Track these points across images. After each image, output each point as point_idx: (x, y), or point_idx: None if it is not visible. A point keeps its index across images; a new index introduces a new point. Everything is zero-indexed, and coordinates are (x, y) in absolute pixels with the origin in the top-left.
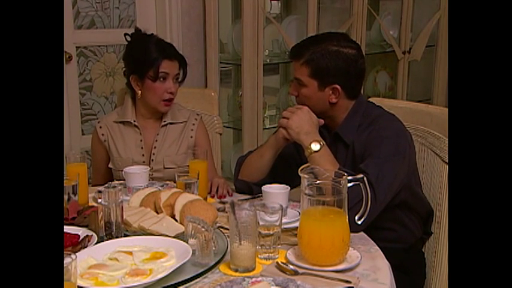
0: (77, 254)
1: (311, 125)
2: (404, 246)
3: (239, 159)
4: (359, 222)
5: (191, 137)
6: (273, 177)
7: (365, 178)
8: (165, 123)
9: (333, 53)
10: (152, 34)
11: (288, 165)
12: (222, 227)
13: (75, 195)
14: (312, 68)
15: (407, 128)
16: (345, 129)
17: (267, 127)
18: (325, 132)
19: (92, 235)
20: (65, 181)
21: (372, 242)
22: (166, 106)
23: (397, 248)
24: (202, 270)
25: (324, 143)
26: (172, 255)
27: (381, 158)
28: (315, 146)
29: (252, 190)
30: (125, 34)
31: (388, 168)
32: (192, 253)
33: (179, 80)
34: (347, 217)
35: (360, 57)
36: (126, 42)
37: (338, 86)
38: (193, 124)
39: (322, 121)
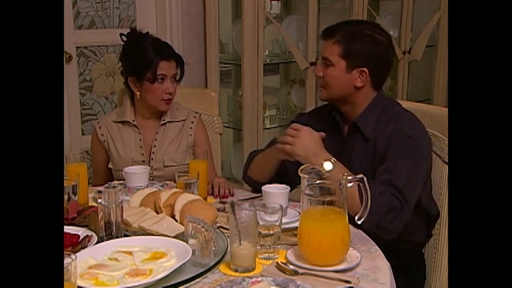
0: (77, 254)
1: (316, 144)
2: (405, 247)
3: (251, 154)
4: (359, 222)
5: (190, 135)
6: (280, 178)
7: (365, 178)
8: (164, 121)
9: (367, 36)
10: (148, 33)
11: (294, 166)
12: (222, 227)
13: (75, 195)
14: (343, 48)
15: None
16: (364, 120)
17: (267, 127)
18: (341, 122)
19: (92, 235)
20: (65, 181)
21: (372, 242)
22: (166, 105)
23: (397, 248)
24: (202, 270)
25: (335, 159)
26: (172, 255)
27: (406, 163)
28: (328, 165)
29: (258, 189)
30: (121, 34)
31: (415, 173)
32: (192, 253)
33: (177, 79)
34: (347, 217)
35: (391, 47)
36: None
37: (366, 70)
38: (192, 122)
39: (323, 134)
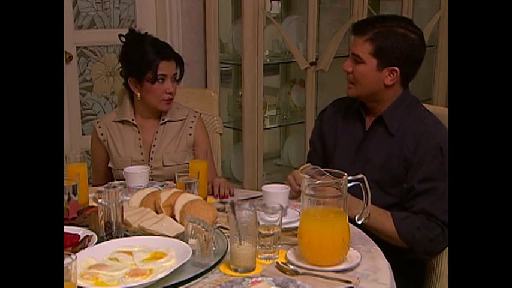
0: (77, 254)
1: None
2: (405, 247)
3: None
4: (359, 222)
5: (190, 134)
6: None
7: (365, 178)
8: (164, 121)
9: (400, 35)
10: (146, 33)
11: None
12: (222, 227)
13: (75, 195)
14: (375, 46)
15: None
16: (390, 115)
17: (267, 127)
18: (365, 115)
19: (92, 235)
20: (65, 181)
21: (372, 242)
22: (167, 104)
23: (397, 248)
24: (202, 270)
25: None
26: (172, 255)
27: (442, 185)
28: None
29: None
30: (119, 35)
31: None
32: (192, 253)
33: (177, 79)
34: (347, 217)
35: (423, 45)
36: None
37: (397, 69)
38: (192, 122)
39: None
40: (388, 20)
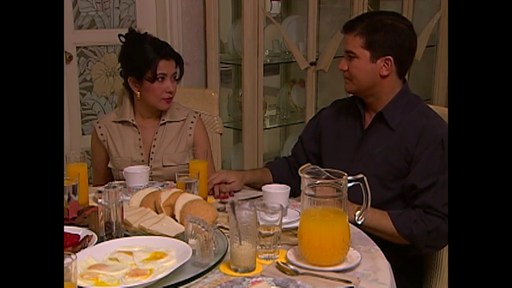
0: (77, 254)
1: None
2: (405, 246)
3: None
4: (359, 223)
5: (190, 134)
6: None
7: (365, 178)
8: (164, 121)
9: (388, 25)
10: (146, 33)
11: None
12: (222, 227)
13: (75, 195)
14: (365, 39)
15: None
16: (389, 111)
17: (267, 127)
18: (363, 112)
19: (92, 235)
20: (65, 181)
21: (372, 242)
22: (167, 103)
23: (397, 247)
24: (202, 270)
25: (359, 206)
26: (172, 255)
27: (442, 178)
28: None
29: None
30: (119, 35)
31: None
32: (192, 253)
33: (177, 78)
34: (347, 217)
35: (413, 34)
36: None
37: (391, 58)
38: (192, 122)
39: None
40: (376, 14)
